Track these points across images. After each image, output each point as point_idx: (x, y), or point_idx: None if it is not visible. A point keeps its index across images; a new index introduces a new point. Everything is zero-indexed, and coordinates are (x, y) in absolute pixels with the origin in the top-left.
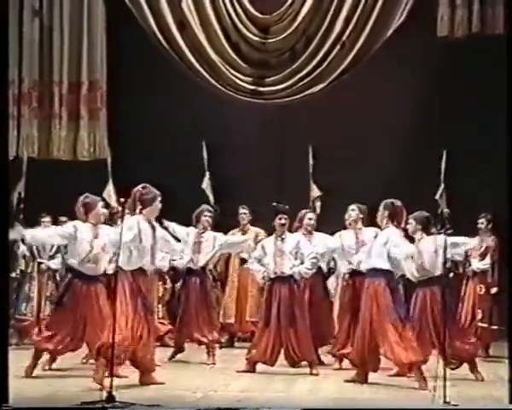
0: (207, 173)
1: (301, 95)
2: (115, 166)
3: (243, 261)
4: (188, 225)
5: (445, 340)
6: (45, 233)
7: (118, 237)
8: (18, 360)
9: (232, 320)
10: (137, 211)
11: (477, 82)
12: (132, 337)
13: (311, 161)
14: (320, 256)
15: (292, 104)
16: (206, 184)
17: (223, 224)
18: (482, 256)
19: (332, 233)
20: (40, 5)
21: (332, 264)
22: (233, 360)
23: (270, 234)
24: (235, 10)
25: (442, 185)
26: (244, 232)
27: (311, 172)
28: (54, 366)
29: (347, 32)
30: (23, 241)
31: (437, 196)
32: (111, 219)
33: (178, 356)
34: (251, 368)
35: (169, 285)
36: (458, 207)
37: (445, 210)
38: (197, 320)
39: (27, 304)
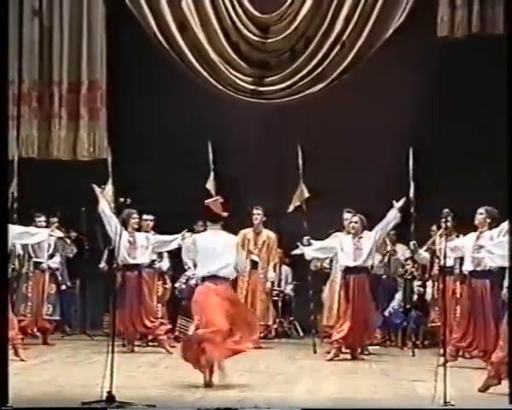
0: (212, 174)
1: (301, 95)
2: (115, 166)
3: (254, 264)
4: (187, 223)
5: (445, 339)
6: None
7: None
8: (18, 360)
9: None
10: None
11: (477, 82)
12: None
13: (300, 162)
14: None
15: (292, 104)
16: (210, 184)
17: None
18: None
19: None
20: (40, 5)
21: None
22: (233, 359)
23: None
24: (235, 10)
25: (412, 183)
26: (257, 233)
27: (301, 172)
28: (55, 366)
29: (347, 32)
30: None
31: (411, 195)
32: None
33: (177, 356)
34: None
35: (169, 285)
36: (458, 207)
37: (445, 210)
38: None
39: (25, 304)
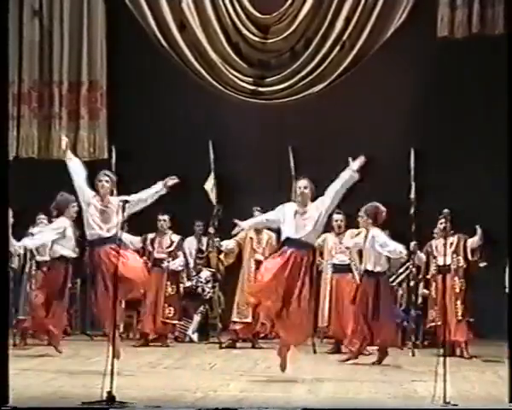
0: (212, 174)
1: (301, 95)
2: (115, 166)
3: (258, 263)
4: (188, 223)
5: (445, 340)
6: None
7: None
8: (18, 360)
9: (249, 320)
10: None
11: (477, 82)
12: None
13: (292, 164)
14: None
15: (292, 104)
16: (209, 184)
17: (223, 224)
18: (451, 253)
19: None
20: (40, 5)
21: None
22: (233, 359)
23: None
24: (235, 10)
25: (413, 184)
26: (259, 233)
27: (294, 174)
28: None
29: (347, 32)
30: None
31: (412, 195)
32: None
33: (177, 356)
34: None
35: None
36: (457, 207)
37: (445, 210)
38: None
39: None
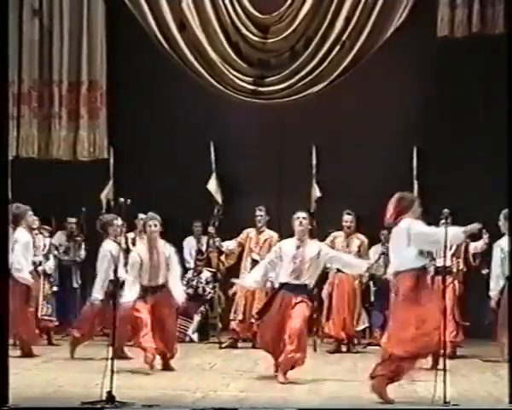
0: (214, 174)
1: (301, 95)
2: (115, 167)
3: (254, 262)
4: (188, 223)
5: (445, 340)
6: None
7: None
8: (18, 360)
9: (240, 317)
10: None
11: (477, 82)
12: None
13: (314, 161)
14: None
15: (292, 104)
16: (212, 184)
17: (223, 224)
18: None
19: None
20: (40, 5)
21: None
22: (233, 359)
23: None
24: (235, 10)
25: (416, 183)
26: (259, 232)
27: (315, 172)
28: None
29: (347, 31)
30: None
31: (414, 194)
32: None
33: (177, 356)
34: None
35: None
36: (457, 207)
37: (445, 210)
38: None
39: None
